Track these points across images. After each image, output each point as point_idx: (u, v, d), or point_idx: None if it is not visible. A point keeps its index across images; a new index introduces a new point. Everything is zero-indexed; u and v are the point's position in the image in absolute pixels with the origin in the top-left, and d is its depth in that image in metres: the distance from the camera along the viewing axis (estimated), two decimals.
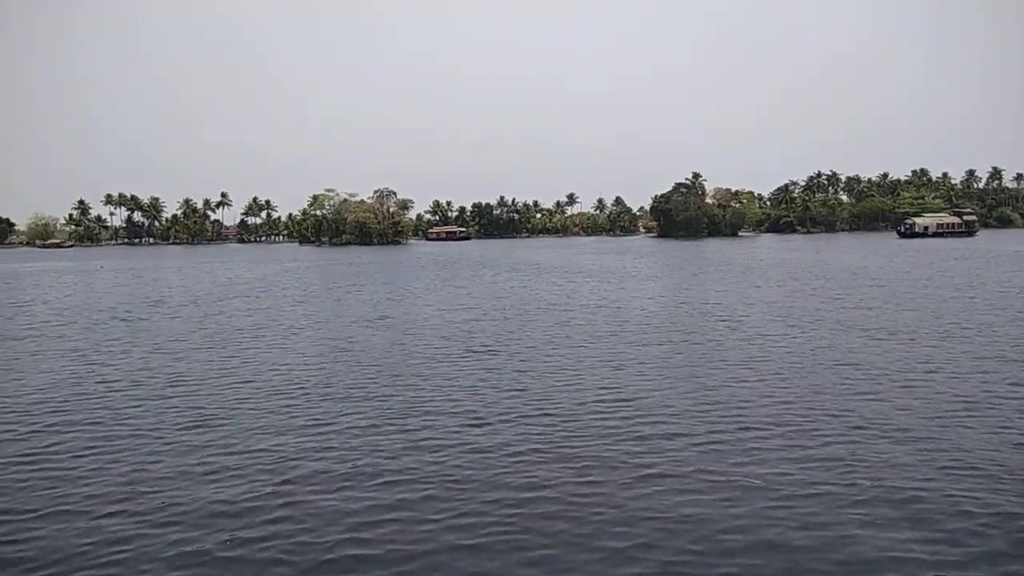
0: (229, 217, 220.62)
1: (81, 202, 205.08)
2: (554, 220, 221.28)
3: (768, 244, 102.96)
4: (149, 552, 7.00)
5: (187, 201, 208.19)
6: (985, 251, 64.88)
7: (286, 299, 33.25)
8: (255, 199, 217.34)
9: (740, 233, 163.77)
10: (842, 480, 8.41)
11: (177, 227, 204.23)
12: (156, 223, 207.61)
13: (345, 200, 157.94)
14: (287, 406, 12.47)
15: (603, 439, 10.15)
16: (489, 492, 8.29)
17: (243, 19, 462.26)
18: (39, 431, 11.17)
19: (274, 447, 10.11)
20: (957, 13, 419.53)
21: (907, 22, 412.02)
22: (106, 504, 8.14)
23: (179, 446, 10.25)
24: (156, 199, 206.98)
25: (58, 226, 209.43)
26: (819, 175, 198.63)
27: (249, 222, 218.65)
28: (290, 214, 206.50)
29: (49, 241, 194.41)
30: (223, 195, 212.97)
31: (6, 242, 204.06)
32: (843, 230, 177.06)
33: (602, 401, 12.29)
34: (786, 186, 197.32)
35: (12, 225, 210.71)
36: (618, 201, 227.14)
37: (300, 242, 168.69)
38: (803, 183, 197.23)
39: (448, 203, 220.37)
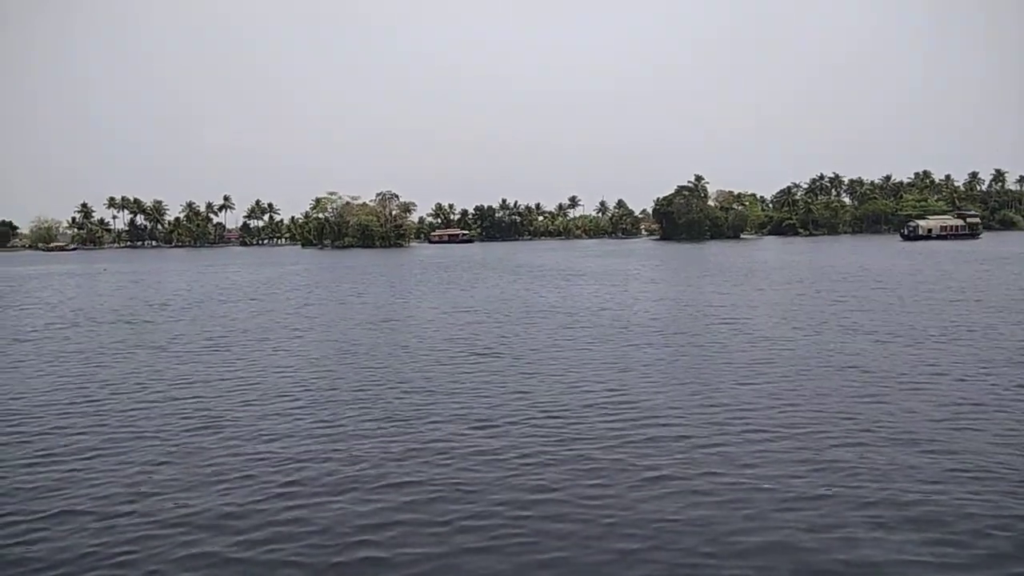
0: (231, 220, 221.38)
1: (84, 205, 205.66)
2: (556, 223, 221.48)
3: (771, 247, 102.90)
4: (158, 554, 7.00)
5: (190, 204, 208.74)
6: (990, 253, 64.75)
7: (290, 302, 33.28)
8: (257, 202, 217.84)
9: (742, 236, 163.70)
10: (849, 483, 8.39)
11: (179, 230, 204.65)
12: (159, 226, 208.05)
13: (347, 203, 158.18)
14: (293, 408, 12.47)
15: (611, 441, 10.14)
16: (497, 494, 8.29)
17: (243, 19, 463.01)
18: (46, 432, 11.18)
19: (281, 449, 10.11)
20: (957, 13, 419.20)
21: (907, 22, 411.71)
22: (114, 505, 8.15)
23: (186, 447, 10.26)
24: (159, 202, 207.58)
25: (61, 229, 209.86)
26: (821, 177, 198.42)
27: (251, 225, 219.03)
28: (292, 217, 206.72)
29: (52, 244, 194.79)
30: (225, 198, 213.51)
31: (9, 245, 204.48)
32: (846, 232, 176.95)
33: (609, 403, 12.28)
34: (788, 188, 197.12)
35: (15, 228, 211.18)
36: (620, 204, 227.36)
37: (302, 245, 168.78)
38: (805, 185, 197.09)
39: (450, 206, 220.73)
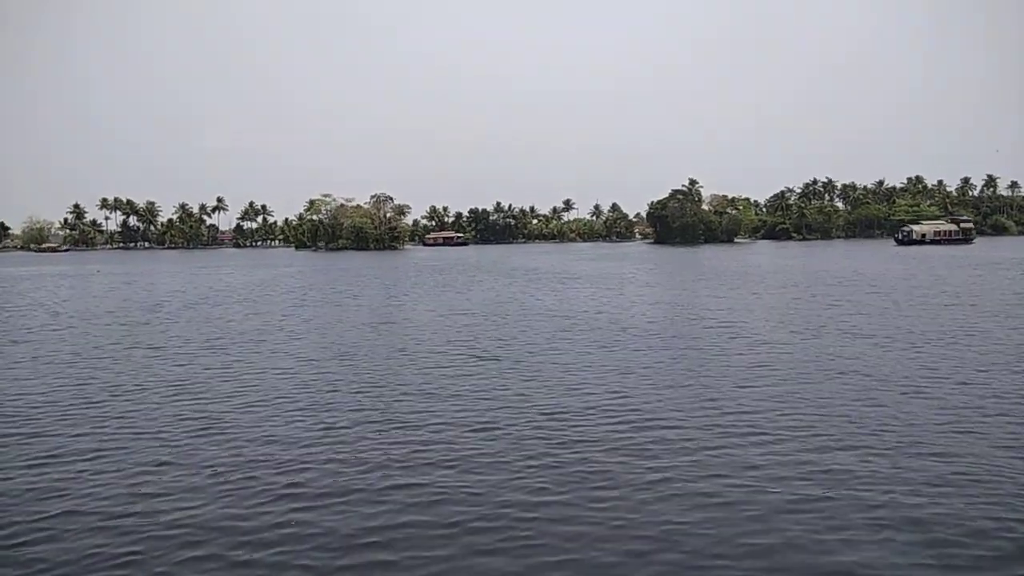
0: (224, 222, 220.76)
1: (76, 206, 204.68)
2: (550, 226, 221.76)
3: (765, 251, 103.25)
4: (161, 556, 6.94)
5: (183, 206, 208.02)
6: (984, 258, 65.13)
7: (285, 304, 33.16)
8: (251, 204, 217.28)
9: (736, 240, 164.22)
10: (852, 487, 8.39)
11: (172, 232, 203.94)
12: (152, 228, 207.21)
13: (342, 205, 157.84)
14: (294, 410, 12.41)
15: (614, 444, 10.13)
16: (503, 496, 8.26)
17: (243, 19, 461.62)
18: (46, 434, 11.09)
19: (283, 451, 10.06)
20: (957, 13, 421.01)
21: (907, 22, 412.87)
22: (117, 506, 8.08)
23: (187, 449, 10.20)
24: (152, 203, 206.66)
25: (53, 230, 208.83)
26: (815, 182, 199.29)
27: (245, 227, 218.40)
28: (286, 219, 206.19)
29: (44, 245, 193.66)
30: (219, 200, 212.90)
31: (0, 246, 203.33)
32: (839, 237, 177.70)
33: (611, 406, 12.26)
34: (782, 193, 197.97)
35: (7, 229, 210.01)
36: (614, 207, 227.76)
37: (296, 247, 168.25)
38: (799, 190, 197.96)
39: (445, 208, 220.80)
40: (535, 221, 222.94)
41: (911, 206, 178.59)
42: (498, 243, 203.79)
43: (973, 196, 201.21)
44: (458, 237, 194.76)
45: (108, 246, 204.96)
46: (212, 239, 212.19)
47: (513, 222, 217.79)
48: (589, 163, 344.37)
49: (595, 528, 7.42)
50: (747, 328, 21.74)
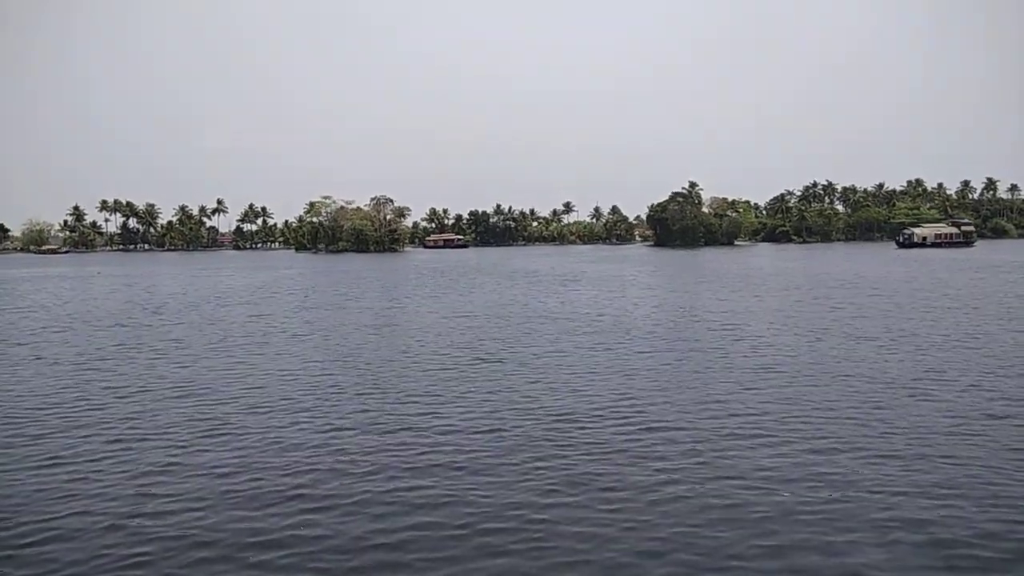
0: (224, 224, 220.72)
1: (76, 208, 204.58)
2: (550, 228, 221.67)
3: (765, 253, 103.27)
4: (168, 558, 6.94)
5: (183, 208, 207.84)
6: (985, 261, 65.11)
7: (288, 306, 33.15)
8: (251, 206, 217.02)
9: (736, 242, 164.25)
10: (858, 491, 8.40)
11: (172, 234, 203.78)
12: (151, 230, 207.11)
13: (341, 207, 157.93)
14: (299, 413, 12.41)
15: (620, 446, 10.14)
16: (511, 498, 8.26)
17: (243, 19, 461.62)
18: (52, 436, 11.09)
19: (289, 453, 10.06)
20: (957, 13, 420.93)
21: (907, 22, 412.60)
22: (123, 508, 8.08)
23: (193, 451, 10.19)
24: (151, 205, 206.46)
25: (53, 232, 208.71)
26: (815, 184, 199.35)
27: (245, 229, 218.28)
28: (286, 221, 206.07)
29: (44, 247, 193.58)
30: (219, 202, 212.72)
31: (0, 248, 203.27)
32: (839, 240, 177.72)
33: (616, 409, 12.26)
34: (782, 195, 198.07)
35: (7, 231, 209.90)
36: (614, 210, 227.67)
37: (296, 249, 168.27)
38: (799, 192, 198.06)
39: (445, 211, 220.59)
40: (535, 223, 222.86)
41: (911, 209, 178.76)
42: (498, 245, 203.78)
43: (973, 199, 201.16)
44: (458, 239, 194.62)
45: (108, 248, 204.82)
46: (212, 241, 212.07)
47: (513, 224, 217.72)
48: (589, 163, 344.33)
49: (606, 529, 7.42)
50: (751, 331, 21.73)
